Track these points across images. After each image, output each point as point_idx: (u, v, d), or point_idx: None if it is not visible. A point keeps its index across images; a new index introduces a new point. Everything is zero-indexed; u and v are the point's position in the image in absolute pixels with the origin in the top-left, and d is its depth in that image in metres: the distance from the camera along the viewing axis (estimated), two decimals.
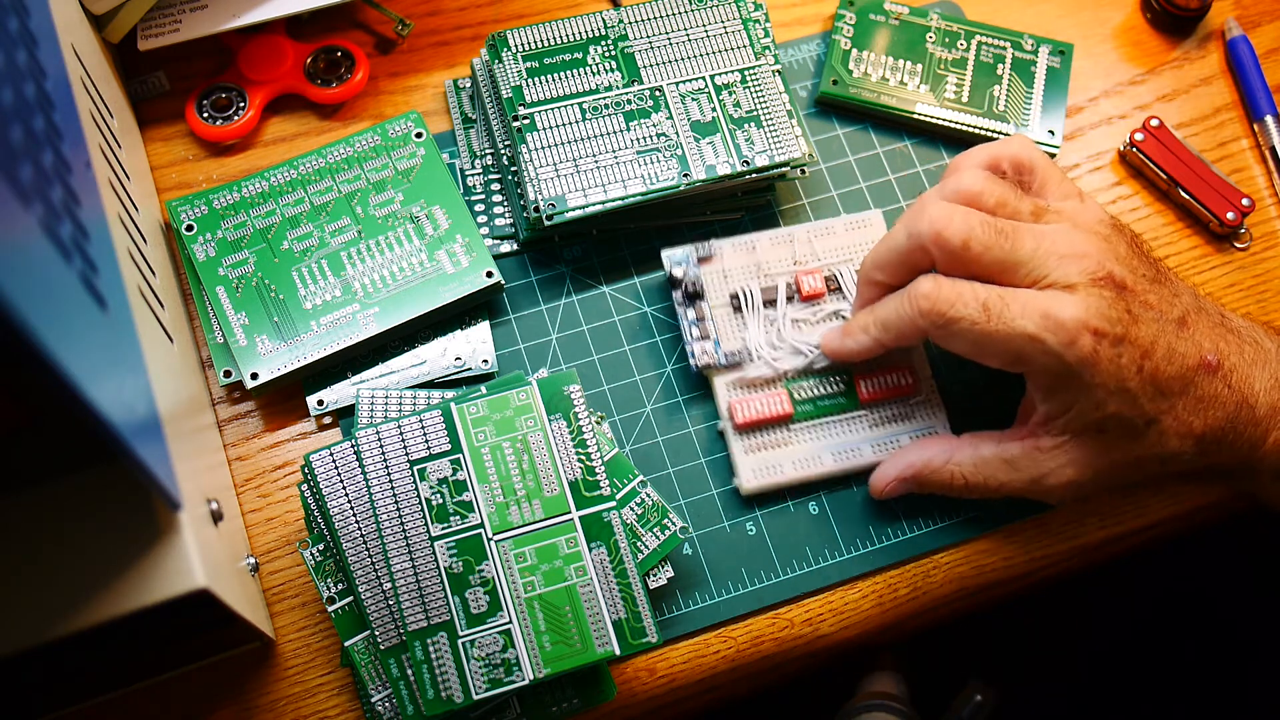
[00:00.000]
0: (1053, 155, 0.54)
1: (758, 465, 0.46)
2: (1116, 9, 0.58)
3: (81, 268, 0.29)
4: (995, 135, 0.53)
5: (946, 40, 0.55)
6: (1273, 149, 0.54)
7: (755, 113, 0.50)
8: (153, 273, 0.43)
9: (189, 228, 0.48)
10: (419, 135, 0.51)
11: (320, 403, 0.47)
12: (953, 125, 0.54)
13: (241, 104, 0.52)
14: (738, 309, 0.48)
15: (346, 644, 0.42)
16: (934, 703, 0.54)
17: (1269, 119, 0.54)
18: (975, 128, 0.53)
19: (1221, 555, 0.69)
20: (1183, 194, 0.53)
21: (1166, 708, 0.68)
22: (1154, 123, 0.53)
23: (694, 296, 0.48)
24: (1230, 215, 0.52)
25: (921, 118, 0.54)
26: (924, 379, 0.48)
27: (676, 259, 0.48)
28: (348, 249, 0.48)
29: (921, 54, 0.55)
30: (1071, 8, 0.58)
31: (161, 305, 0.43)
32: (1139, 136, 0.53)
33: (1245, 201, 0.52)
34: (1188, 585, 0.71)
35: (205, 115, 0.51)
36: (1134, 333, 0.40)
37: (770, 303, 0.49)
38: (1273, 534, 0.65)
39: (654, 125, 0.49)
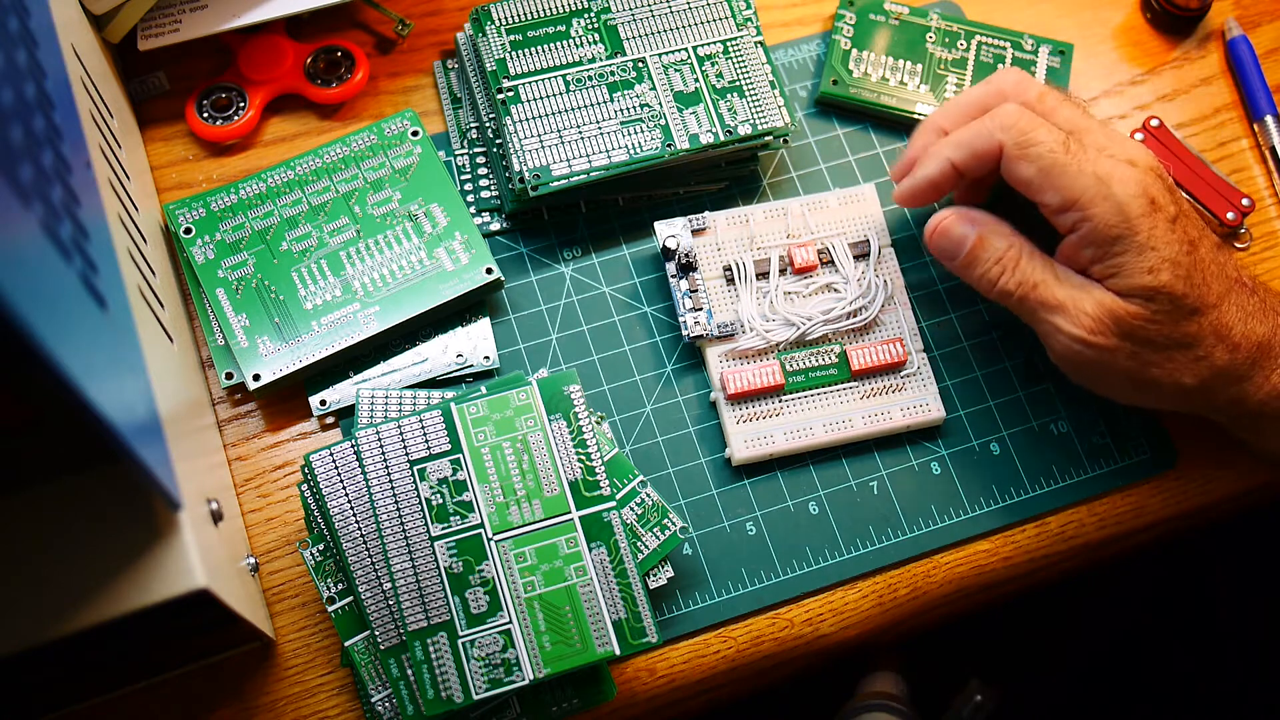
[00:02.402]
0: None
1: (749, 435, 0.47)
2: (1116, 9, 0.58)
3: (81, 268, 0.29)
4: None
5: (946, 40, 0.55)
6: (1273, 149, 0.54)
7: (737, 83, 0.51)
8: (153, 273, 0.43)
9: (187, 230, 0.48)
10: (415, 134, 0.51)
11: (323, 402, 0.47)
12: None
13: (241, 104, 0.52)
14: (731, 281, 0.49)
15: (346, 644, 0.42)
16: (934, 703, 0.54)
17: (1269, 119, 0.54)
18: None
19: (1220, 555, 0.69)
20: (1183, 194, 0.53)
21: (1166, 707, 0.68)
22: (1154, 123, 0.53)
23: (687, 268, 0.49)
24: (1230, 215, 0.52)
25: (921, 118, 0.54)
26: (915, 351, 0.49)
27: (670, 231, 0.49)
28: (347, 248, 0.48)
29: (921, 54, 0.55)
30: (1071, 8, 0.58)
31: (161, 305, 0.43)
32: (1139, 136, 0.53)
33: (1245, 201, 0.52)
34: (1187, 585, 0.71)
35: (205, 115, 0.51)
36: (1184, 224, 0.42)
37: (763, 275, 0.49)
38: (1273, 532, 0.65)
39: (637, 96, 0.50)
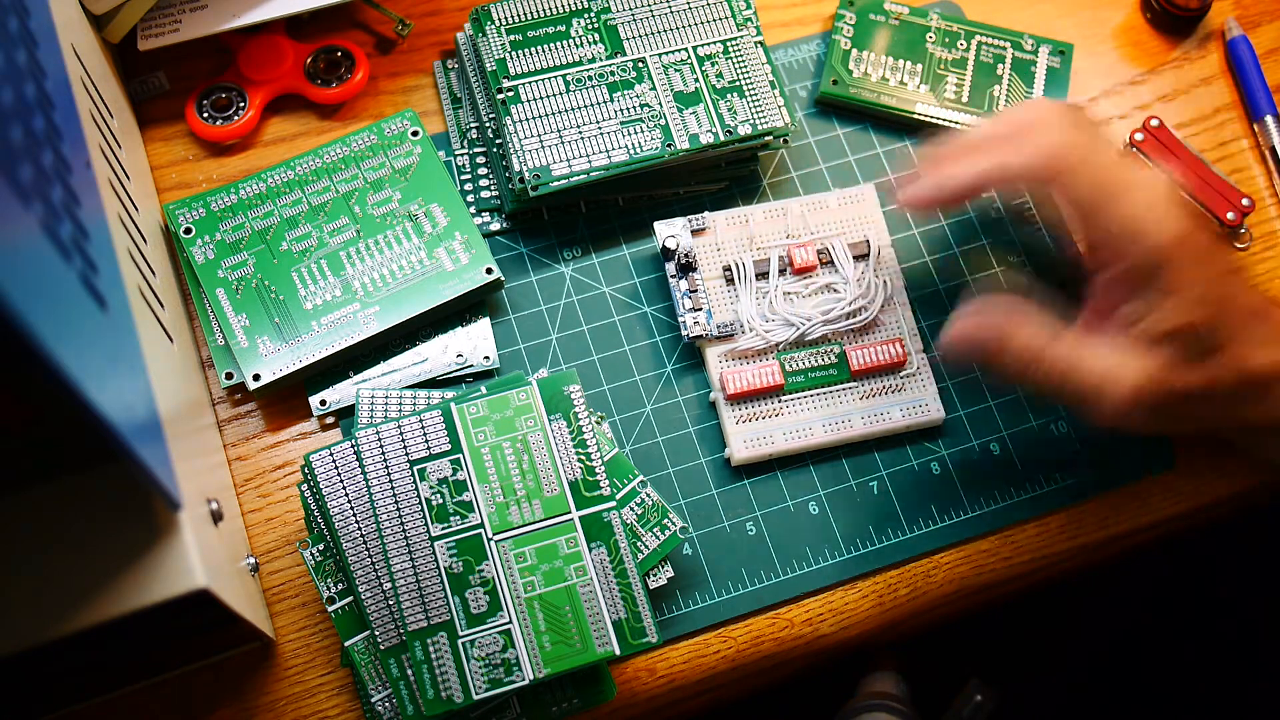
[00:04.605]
0: None
1: (749, 436, 0.47)
2: (1116, 9, 0.58)
3: (81, 268, 0.29)
4: None
5: (946, 40, 0.55)
6: (1273, 149, 0.54)
7: (738, 83, 0.51)
8: (153, 273, 0.43)
9: (187, 230, 0.48)
10: (415, 134, 0.51)
11: (323, 402, 0.47)
12: (953, 125, 0.54)
13: (241, 104, 0.52)
14: (730, 281, 0.49)
15: (346, 644, 0.42)
16: (934, 703, 0.54)
17: (1269, 119, 0.54)
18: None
19: (1220, 555, 0.69)
20: (1183, 194, 0.53)
21: (1166, 707, 0.68)
22: (1154, 123, 0.53)
23: (687, 268, 0.49)
24: (1230, 215, 0.52)
25: (921, 118, 0.54)
26: (915, 352, 0.49)
27: (670, 231, 0.49)
28: (347, 248, 0.48)
29: (921, 54, 0.55)
30: (1071, 8, 0.58)
31: (161, 305, 0.43)
32: (1139, 136, 0.53)
33: (1245, 201, 0.52)
34: (1187, 585, 0.71)
35: (205, 115, 0.51)
36: (1218, 255, 0.42)
37: (763, 275, 0.49)
38: (1273, 532, 0.65)
39: (637, 96, 0.50)
